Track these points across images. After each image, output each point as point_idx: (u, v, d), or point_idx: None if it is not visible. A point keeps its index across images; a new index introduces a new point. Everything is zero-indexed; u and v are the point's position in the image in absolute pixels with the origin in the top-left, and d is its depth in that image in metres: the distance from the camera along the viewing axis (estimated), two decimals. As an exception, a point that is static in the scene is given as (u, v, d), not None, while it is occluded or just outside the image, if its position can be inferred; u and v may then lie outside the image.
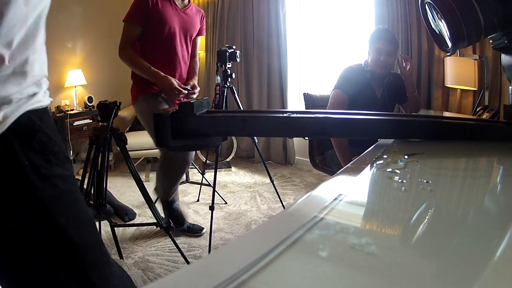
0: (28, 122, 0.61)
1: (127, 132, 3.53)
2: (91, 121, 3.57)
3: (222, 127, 0.74)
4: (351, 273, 0.27)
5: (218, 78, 2.23)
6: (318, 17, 3.47)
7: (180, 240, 2.14)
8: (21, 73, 0.60)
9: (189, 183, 3.05)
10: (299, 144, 3.56)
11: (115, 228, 1.99)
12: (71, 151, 3.58)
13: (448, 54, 0.83)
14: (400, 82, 2.06)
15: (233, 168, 3.58)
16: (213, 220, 2.07)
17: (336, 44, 3.34)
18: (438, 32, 0.82)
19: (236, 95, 2.30)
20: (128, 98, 2.07)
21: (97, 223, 1.96)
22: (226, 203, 2.74)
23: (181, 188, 2.91)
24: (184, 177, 2.81)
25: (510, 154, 0.61)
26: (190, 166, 2.54)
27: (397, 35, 2.35)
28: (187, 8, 2.03)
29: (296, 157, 3.63)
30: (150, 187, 2.15)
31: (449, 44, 0.77)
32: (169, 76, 1.90)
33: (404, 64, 1.98)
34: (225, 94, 2.22)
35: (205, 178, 2.77)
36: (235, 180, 3.29)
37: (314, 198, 0.42)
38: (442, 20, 0.73)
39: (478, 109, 2.16)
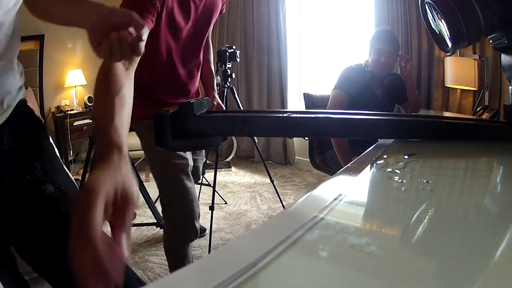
0: (23, 108, 0.75)
1: (127, 132, 3.53)
2: (91, 121, 3.56)
3: (222, 127, 0.74)
4: (351, 273, 0.27)
5: (218, 78, 2.23)
6: (318, 17, 3.47)
7: (180, 240, 2.14)
8: (12, 67, 0.70)
9: (189, 183, 3.05)
10: (299, 144, 3.55)
11: (115, 228, 1.98)
12: (71, 151, 3.58)
13: (448, 54, 0.83)
14: (400, 82, 2.06)
15: (233, 168, 3.58)
16: (213, 220, 2.07)
17: (336, 44, 3.34)
18: (438, 32, 0.82)
19: (236, 95, 2.30)
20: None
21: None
22: (226, 203, 2.74)
23: (181, 188, 2.90)
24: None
25: (510, 154, 0.61)
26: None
27: (397, 35, 2.34)
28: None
29: (296, 157, 3.62)
30: (150, 187, 2.15)
31: (449, 44, 0.76)
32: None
33: (404, 64, 1.98)
34: (225, 94, 2.22)
35: (205, 178, 2.76)
36: (235, 180, 3.29)
37: (314, 198, 0.42)
38: (442, 20, 0.73)
39: (478, 109, 2.16)
